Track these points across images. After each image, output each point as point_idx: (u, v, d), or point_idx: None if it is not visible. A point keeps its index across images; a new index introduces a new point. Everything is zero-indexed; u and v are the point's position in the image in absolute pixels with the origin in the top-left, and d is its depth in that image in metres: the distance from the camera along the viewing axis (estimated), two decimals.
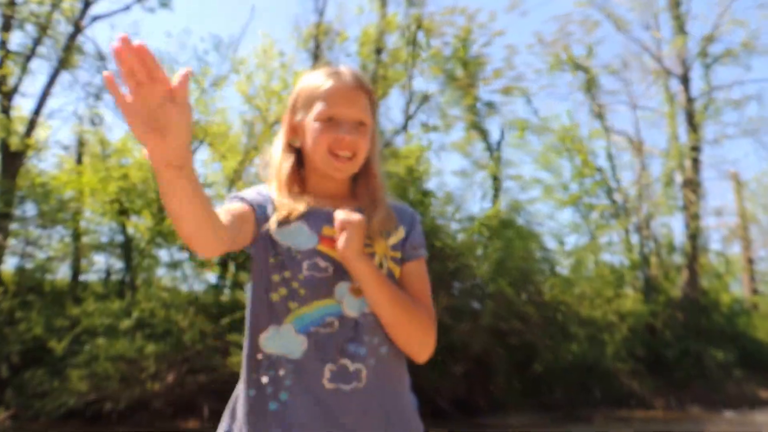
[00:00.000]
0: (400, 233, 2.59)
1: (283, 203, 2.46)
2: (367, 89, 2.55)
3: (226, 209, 2.32)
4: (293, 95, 2.66)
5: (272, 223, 2.41)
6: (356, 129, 2.47)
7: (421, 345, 2.46)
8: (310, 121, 2.49)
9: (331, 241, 2.40)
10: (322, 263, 2.38)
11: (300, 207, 2.44)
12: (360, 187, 2.64)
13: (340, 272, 2.39)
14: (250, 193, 2.51)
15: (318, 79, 2.55)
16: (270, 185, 2.60)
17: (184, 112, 1.79)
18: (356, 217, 2.36)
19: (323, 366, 2.27)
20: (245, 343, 2.42)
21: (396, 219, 2.60)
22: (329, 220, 2.44)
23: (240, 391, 2.40)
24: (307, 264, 2.36)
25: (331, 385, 2.26)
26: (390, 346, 2.43)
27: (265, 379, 2.30)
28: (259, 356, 2.34)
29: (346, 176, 2.55)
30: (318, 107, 2.47)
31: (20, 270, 20.46)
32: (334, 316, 2.34)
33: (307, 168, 2.61)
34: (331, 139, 2.43)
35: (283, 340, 2.31)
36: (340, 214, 2.36)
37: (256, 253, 2.46)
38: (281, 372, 2.29)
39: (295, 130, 2.59)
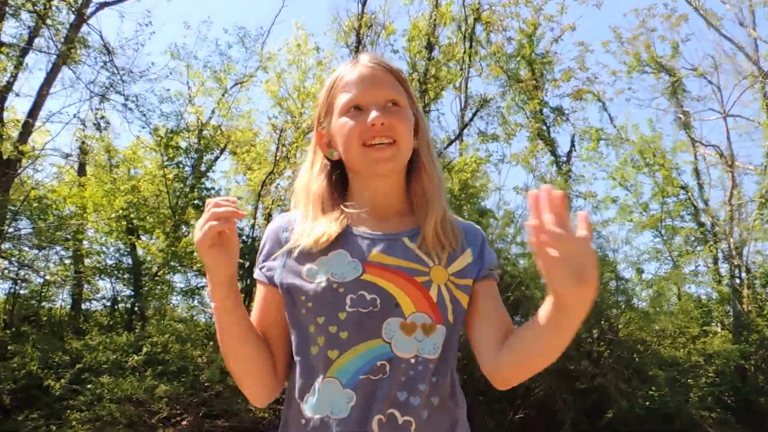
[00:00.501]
0: (467, 257, 2.50)
1: (312, 230, 2.39)
2: (390, 68, 2.52)
3: (257, 324, 2.45)
4: (316, 107, 2.65)
5: (302, 261, 2.37)
6: (388, 110, 2.41)
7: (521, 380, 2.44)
8: (336, 121, 2.46)
9: (380, 269, 2.34)
10: (369, 296, 2.29)
11: (334, 230, 2.38)
12: (416, 193, 2.55)
13: (390, 306, 2.30)
14: (266, 248, 2.52)
15: (337, 74, 2.54)
16: (299, 210, 2.57)
17: (236, 240, 2.21)
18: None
19: (370, 418, 2.21)
20: (288, 406, 2.39)
21: (461, 237, 2.53)
22: (376, 243, 2.39)
23: None
24: (351, 298, 2.29)
25: None
26: (442, 396, 2.36)
27: None
28: (303, 421, 2.30)
29: (392, 167, 2.45)
30: (339, 102, 2.45)
31: (13, 297, 20.48)
32: (385, 359, 2.27)
33: (352, 178, 2.57)
34: (361, 128, 2.38)
35: (327, 400, 2.26)
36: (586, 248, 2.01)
37: (286, 308, 2.42)
38: None
39: (327, 143, 2.57)
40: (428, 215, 2.46)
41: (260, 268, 2.48)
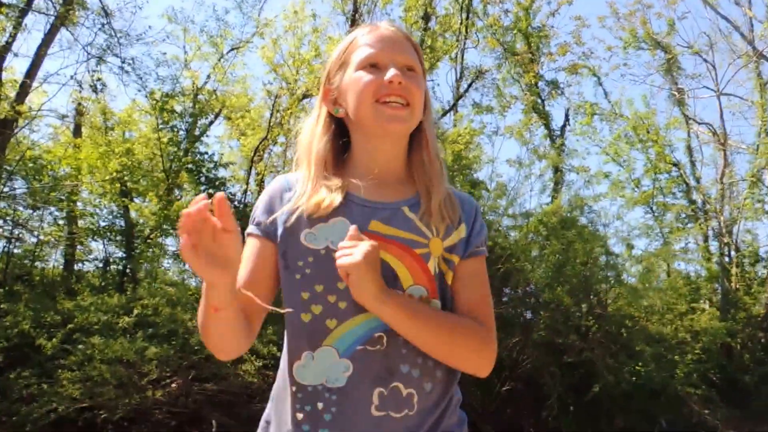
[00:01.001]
0: (461, 231, 2.54)
1: (315, 196, 2.42)
2: (410, 37, 2.56)
3: (246, 279, 2.42)
4: (327, 64, 2.65)
5: (301, 225, 2.41)
6: (406, 74, 2.44)
7: (478, 366, 2.41)
8: (350, 74, 2.48)
9: (380, 239, 2.35)
10: None
11: (336, 198, 2.41)
12: (416, 163, 2.59)
13: (388, 278, 2.31)
14: (265, 203, 2.54)
15: (352, 35, 2.57)
16: (301, 169, 2.59)
17: (237, 238, 2.07)
18: (359, 254, 2.22)
19: (372, 391, 2.24)
20: (279, 371, 2.43)
21: (459, 211, 2.57)
22: (377, 212, 2.43)
23: (269, 424, 2.43)
24: None
25: (380, 412, 2.24)
26: (443, 368, 2.40)
27: (300, 416, 2.28)
28: (294, 389, 2.31)
29: (403, 128, 2.48)
30: (358, 56, 2.47)
31: (6, 255, 20.52)
32: (381, 331, 2.29)
33: (354, 139, 2.60)
34: (376, 84, 2.41)
35: (322, 368, 2.28)
36: (341, 258, 2.26)
37: (281, 272, 2.47)
38: (320, 405, 2.26)
39: (334, 100, 2.58)
40: (434, 190, 2.50)
41: (257, 224, 2.52)
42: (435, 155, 2.58)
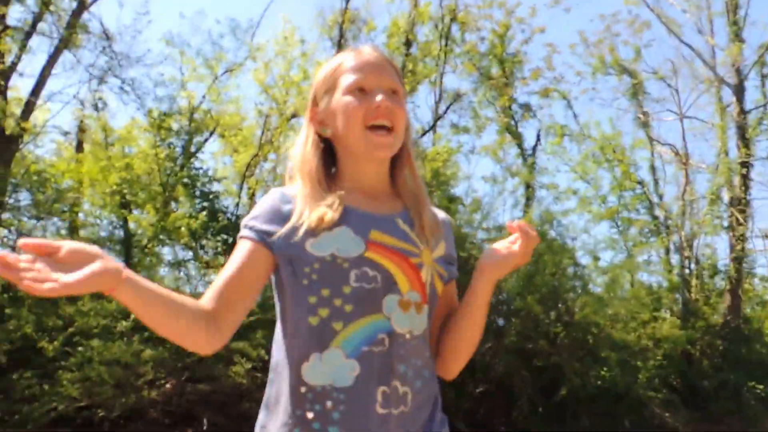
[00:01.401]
0: (442, 248, 2.59)
1: (315, 211, 2.39)
2: (392, 62, 2.56)
3: (223, 281, 2.39)
4: (313, 87, 2.64)
5: (306, 236, 2.37)
6: (391, 97, 2.44)
7: (462, 366, 2.55)
8: (338, 99, 2.47)
9: (381, 247, 2.37)
10: (371, 272, 2.33)
11: (336, 213, 2.39)
12: (399, 180, 2.61)
13: (389, 283, 2.35)
14: (264, 213, 2.48)
15: (338, 59, 2.56)
16: (295, 184, 2.56)
17: (66, 244, 2.01)
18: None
19: (376, 390, 2.26)
20: (284, 374, 2.38)
21: (440, 225, 2.61)
22: (375, 222, 2.43)
23: (265, 428, 2.38)
24: (355, 274, 2.32)
25: (384, 410, 2.25)
26: (431, 368, 2.47)
27: (310, 415, 2.26)
28: (303, 389, 2.29)
29: (389, 154, 2.50)
30: (345, 80, 2.46)
31: None
32: (384, 333, 2.31)
33: (341, 158, 2.59)
34: (365, 109, 2.40)
35: (330, 368, 2.27)
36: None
37: (283, 277, 2.43)
38: (329, 404, 2.25)
39: (321, 121, 2.56)
40: (423, 205, 2.55)
41: (250, 228, 2.48)
42: (416, 173, 2.62)
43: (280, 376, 2.39)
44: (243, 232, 2.49)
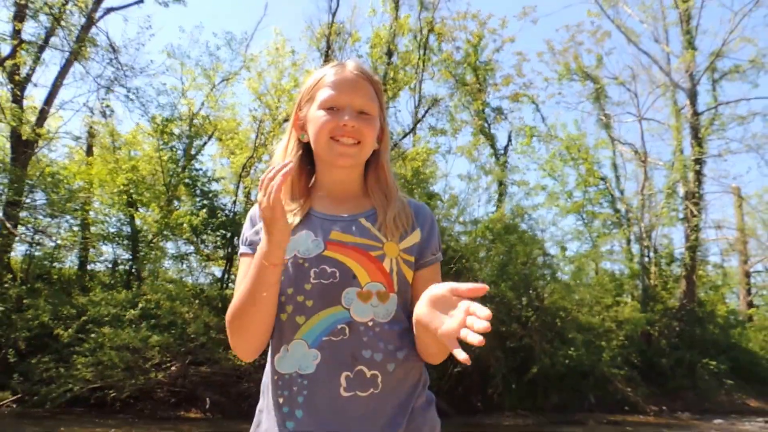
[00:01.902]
0: (416, 236, 2.53)
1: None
2: (372, 79, 2.55)
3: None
4: (298, 94, 2.65)
5: None
6: (360, 117, 2.45)
7: (444, 356, 2.34)
8: (314, 111, 2.48)
9: (339, 245, 2.40)
10: (330, 269, 2.36)
11: (296, 219, 2.46)
12: (371, 182, 2.61)
13: (347, 277, 2.36)
14: (251, 227, 2.55)
15: (322, 72, 2.56)
16: None
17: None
18: None
19: (338, 375, 2.28)
20: (267, 365, 2.46)
21: (412, 218, 2.57)
22: (336, 224, 2.46)
23: (261, 412, 2.45)
24: (314, 272, 2.36)
25: (348, 393, 2.27)
26: (408, 349, 2.41)
27: (281, 399, 2.33)
28: (275, 377, 2.37)
29: (352, 163, 2.50)
30: (321, 95, 2.47)
31: (28, 257, 20.66)
32: (344, 323, 2.33)
33: (317, 163, 2.61)
34: (332, 125, 2.41)
35: (295, 358, 2.33)
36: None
37: None
38: (294, 389, 2.31)
39: (302, 126, 2.59)
40: (388, 204, 2.54)
41: (248, 244, 2.52)
42: (388, 176, 2.62)
43: (267, 367, 2.46)
44: (241, 248, 2.56)
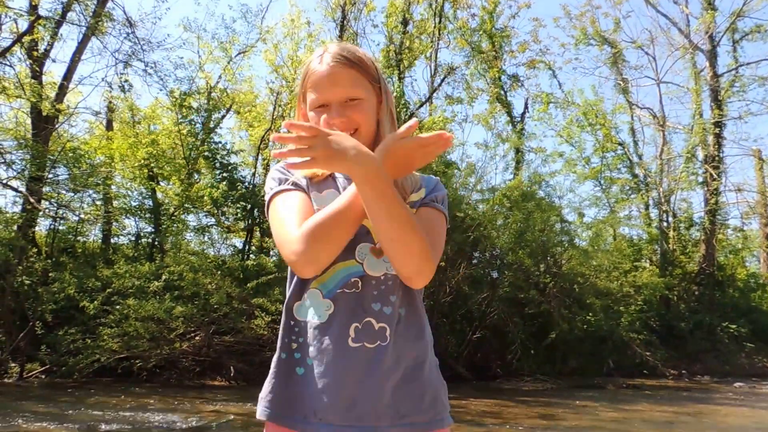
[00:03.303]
0: (421, 194, 2.62)
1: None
2: (352, 62, 2.56)
3: (306, 212, 2.41)
4: (298, 85, 2.70)
5: (310, 189, 2.53)
6: (347, 106, 2.50)
7: (418, 271, 2.34)
8: (308, 111, 2.56)
9: None
10: None
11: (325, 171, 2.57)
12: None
13: (361, 232, 2.43)
14: (289, 177, 2.58)
15: (309, 67, 2.61)
16: None
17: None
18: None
19: (348, 326, 2.36)
20: (284, 313, 2.52)
21: (418, 180, 2.64)
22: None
23: (276, 353, 2.53)
24: None
25: (356, 343, 2.35)
26: (408, 305, 2.49)
27: (294, 345, 2.44)
28: (292, 323, 2.47)
29: None
30: (309, 97, 2.55)
31: (53, 232, 21.19)
32: (357, 276, 2.41)
33: None
34: (325, 125, 2.43)
35: (311, 307, 2.42)
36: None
37: None
38: (308, 337, 2.40)
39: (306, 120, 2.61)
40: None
41: (291, 183, 2.54)
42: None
43: (283, 315, 2.56)
44: (278, 187, 2.52)
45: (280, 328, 2.52)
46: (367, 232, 2.45)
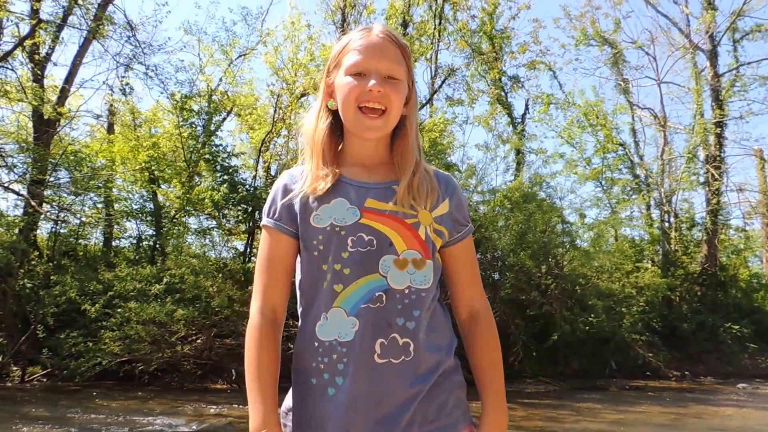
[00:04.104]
0: (444, 207, 2.57)
1: (314, 182, 2.50)
2: (399, 42, 2.53)
3: (273, 268, 2.52)
4: (327, 60, 2.64)
5: (309, 212, 2.48)
6: (387, 82, 2.45)
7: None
8: (340, 77, 2.49)
9: (375, 213, 2.42)
10: (367, 237, 2.38)
11: (328, 182, 2.49)
12: (397, 152, 2.61)
13: (384, 245, 2.39)
14: (277, 201, 2.57)
15: (348, 37, 2.56)
16: (303, 159, 2.65)
17: None
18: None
19: (374, 342, 2.32)
20: (301, 332, 2.49)
21: (438, 190, 2.58)
22: (371, 191, 2.49)
23: (299, 378, 2.49)
24: (352, 240, 2.38)
25: (382, 360, 2.31)
26: (432, 316, 2.45)
27: (322, 366, 2.38)
28: (316, 344, 2.41)
29: (378, 135, 2.52)
30: (347, 61, 2.48)
31: (54, 235, 21.17)
32: (381, 291, 2.35)
33: (345, 132, 2.62)
34: (359, 91, 2.42)
35: (335, 325, 2.37)
36: None
37: (300, 252, 2.55)
38: (335, 356, 2.35)
39: (330, 93, 2.60)
40: (416, 172, 2.54)
41: (271, 211, 2.55)
42: (413, 143, 2.60)
43: (300, 332, 2.49)
44: (263, 220, 2.58)
45: (300, 349, 2.49)
46: (390, 244, 2.40)
